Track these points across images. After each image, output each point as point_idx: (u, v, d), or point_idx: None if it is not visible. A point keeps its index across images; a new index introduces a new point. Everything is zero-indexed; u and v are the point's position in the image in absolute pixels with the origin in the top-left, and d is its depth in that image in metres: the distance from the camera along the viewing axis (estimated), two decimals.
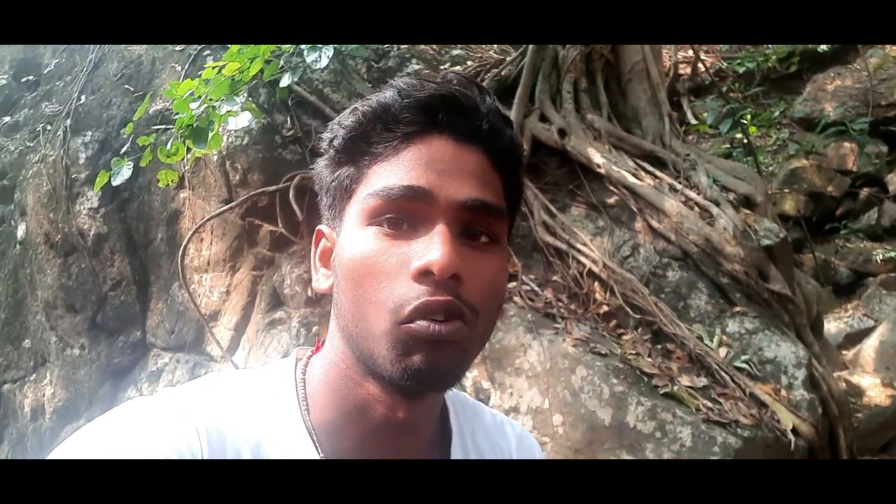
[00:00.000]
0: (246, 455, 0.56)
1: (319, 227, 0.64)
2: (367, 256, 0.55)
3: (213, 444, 0.54)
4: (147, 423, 0.54)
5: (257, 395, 0.60)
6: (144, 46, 3.85)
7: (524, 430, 0.77)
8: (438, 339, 0.53)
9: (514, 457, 0.72)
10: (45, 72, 4.48)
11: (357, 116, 0.59)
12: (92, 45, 4.04)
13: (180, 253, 3.22)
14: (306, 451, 0.58)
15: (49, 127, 3.93)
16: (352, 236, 0.57)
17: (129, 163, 2.43)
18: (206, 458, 0.54)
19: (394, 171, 0.56)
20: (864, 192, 5.61)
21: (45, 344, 3.82)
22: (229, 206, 3.18)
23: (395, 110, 0.57)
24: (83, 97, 3.83)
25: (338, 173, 0.60)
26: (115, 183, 2.46)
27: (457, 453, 0.67)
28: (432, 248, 0.53)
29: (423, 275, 0.53)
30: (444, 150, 0.57)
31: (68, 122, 3.71)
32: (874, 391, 3.54)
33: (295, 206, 2.99)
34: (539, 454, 0.76)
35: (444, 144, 0.57)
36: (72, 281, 3.64)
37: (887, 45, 6.40)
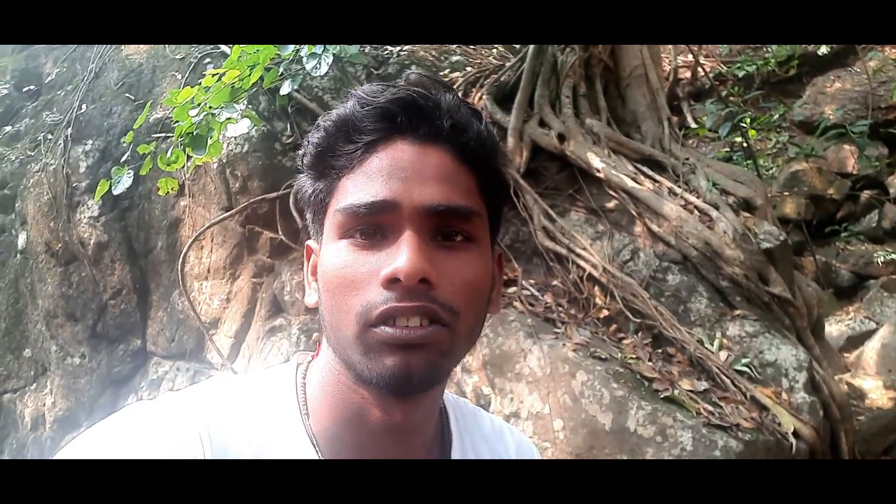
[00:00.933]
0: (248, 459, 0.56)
1: (308, 242, 0.65)
2: (340, 268, 0.56)
3: (215, 449, 0.55)
4: (149, 427, 0.55)
5: (259, 399, 0.61)
6: (145, 55, 3.87)
7: (523, 437, 0.77)
8: (408, 342, 0.53)
9: None
10: (47, 81, 4.50)
11: (321, 132, 0.60)
12: (93, 55, 4.06)
13: (180, 261, 3.23)
14: (307, 455, 0.58)
15: (50, 136, 3.95)
16: (328, 250, 0.58)
17: (130, 171, 2.43)
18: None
19: (358, 185, 0.57)
20: (865, 194, 5.61)
21: (46, 353, 3.82)
22: (229, 213, 3.19)
23: (356, 120, 0.58)
24: (84, 106, 3.84)
25: (313, 189, 0.61)
26: (115, 191, 2.46)
27: (456, 458, 0.67)
28: (399, 255, 0.54)
29: (392, 282, 0.53)
30: (406, 154, 0.57)
31: (69, 131, 3.72)
32: (876, 393, 3.53)
33: (295, 213, 3.00)
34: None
35: (407, 149, 0.57)
36: (72, 290, 3.65)
37: (886, 48, 6.41)
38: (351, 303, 0.55)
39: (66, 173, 3.63)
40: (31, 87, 4.59)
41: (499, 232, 0.65)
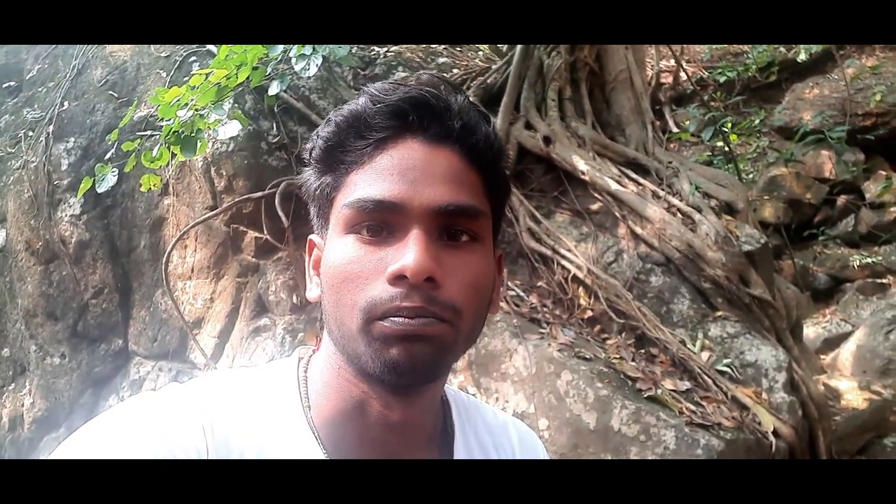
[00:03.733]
0: (250, 453, 0.57)
1: (311, 236, 0.66)
2: (346, 263, 0.57)
3: (217, 443, 0.55)
4: (152, 421, 0.55)
5: (261, 393, 0.61)
6: (129, 52, 3.83)
7: (527, 430, 0.78)
8: (412, 333, 0.54)
9: (517, 456, 0.73)
10: (28, 77, 4.43)
11: (332, 126, 0.61)
12: (76, 52, 4.01)
13: (164, 260, 3.20)
14: (310, 449, 0.59)
15: (31, 133, 3.89)
16: (333, 244, 0.59)
17: (114, 169, 2.41)
18: (211, 456, 0.55)
19: (367, 181, 0.58)
20: (842, 199, 5.72)
21: (25, 353, 3.76)
22: (214, 212, 3.17)
23: (367, 117, 0.59)
24: (66, 103, 3.79)
25: (320, 182, 0.61)
26: (99, 189, 2.43)
27: (460, 452, 0.67)
28: (406, 252, 0.54)
29: (398, 279, 0.54)
30: (416, 154, 0.58)
31: (51, 128, 3.67)
32: (851, 395, 3.59)
33: (280, 213, 2.99)
34: (542, 454, 0.77)
35: (417, 148, 0.58)
36: (52, 289, 3.60)
37: (863, 56, 6.54)
38: (355, 298, 0.56)
39: (48, 171, 3.58)
40: (12, 83, 4.51)
41: (500, 233, 0.67)
